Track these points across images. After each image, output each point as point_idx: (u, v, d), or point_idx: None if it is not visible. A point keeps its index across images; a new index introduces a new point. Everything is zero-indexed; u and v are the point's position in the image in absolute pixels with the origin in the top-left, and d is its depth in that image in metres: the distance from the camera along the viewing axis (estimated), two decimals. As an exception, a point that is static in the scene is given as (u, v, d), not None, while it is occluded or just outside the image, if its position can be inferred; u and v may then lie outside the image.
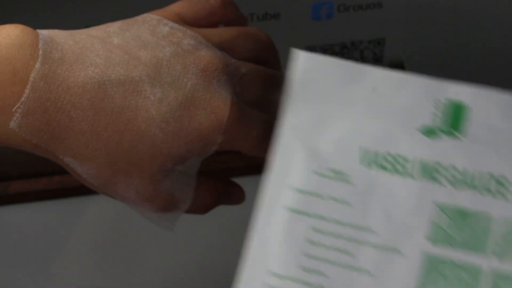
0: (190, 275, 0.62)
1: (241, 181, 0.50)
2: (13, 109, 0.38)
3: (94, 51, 0.41)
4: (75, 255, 0.63)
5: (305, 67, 0.45)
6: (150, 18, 0.45)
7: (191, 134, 0.42)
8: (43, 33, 0.41)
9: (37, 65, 0.39)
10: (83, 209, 0.67)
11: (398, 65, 0.67)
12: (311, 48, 0.64)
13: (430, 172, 0.42)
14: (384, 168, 0.42)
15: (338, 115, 0.44)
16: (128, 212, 0.67)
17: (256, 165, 0.49)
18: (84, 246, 0.64)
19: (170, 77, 0.41)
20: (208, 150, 0.43)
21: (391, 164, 0.43)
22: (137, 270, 0.62)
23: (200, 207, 0.46)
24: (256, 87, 0.45)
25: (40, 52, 0.39)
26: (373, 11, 0.63)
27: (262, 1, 0.61)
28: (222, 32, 0.46)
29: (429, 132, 0.43)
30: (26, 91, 0.38)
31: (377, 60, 0.66)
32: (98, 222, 0.66)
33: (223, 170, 0.66)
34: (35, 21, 0.60)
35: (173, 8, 0.46)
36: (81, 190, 0.67)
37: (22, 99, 0.38)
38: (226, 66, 0.43)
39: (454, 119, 0.43)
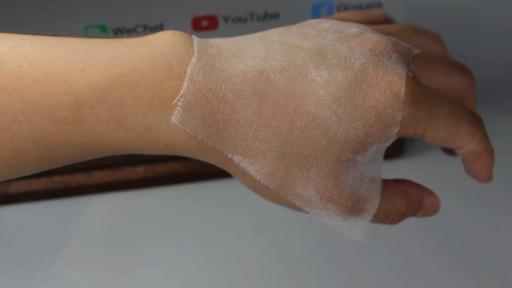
0: (189, 275, 0.62)
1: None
2: (174, 102, 0.36)
3: (252, 46, 0.39)
4: (75, 255, 0.63)
5: None
6: (310, 21, 0.42)
7: (367, 113, 0.38)
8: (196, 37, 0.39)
9: (193, 59, 0.37)
10: (83, 209, 0.67)
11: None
12: (311, 48, 0.64)
13: None
14: None
15: None
16: (128, 212, 0.67)
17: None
18: (84, 246, 0.64)
19: (336, 59, 0.39)
20: (389, 133, 0.38)
21: None
22: (137, 270, 0.62)
23: (391, 214, 0.41)
24: (433, 68, 0.41)
25: (195, 48, 0.37)
26: (373, 11, 0.63)
27: (262, 1, 0.61)
28: (388, 26, 0.43)
29: None
30: (185, 83, 0.36)
31: (377, 60, 0.66)
32: (98, 222, 0.66)
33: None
34: (35, 21, 0.60)
35: (335, 14, 0.44)
36: (81, 190, 0.67)
37: (182, 92, 0.36)
38: (397, 45, 0.40)
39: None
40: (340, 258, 0.62)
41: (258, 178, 0.38)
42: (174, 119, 0.36)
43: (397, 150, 0.69)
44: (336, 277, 0.61)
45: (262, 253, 0.63)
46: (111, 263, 0.63)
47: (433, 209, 0.43)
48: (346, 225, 0.40)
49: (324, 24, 0.41)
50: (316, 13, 0.63)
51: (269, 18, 0.62)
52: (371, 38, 0.39)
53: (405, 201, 0.41)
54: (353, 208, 0.39)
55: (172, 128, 0.37)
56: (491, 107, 0.74)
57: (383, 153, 0.40)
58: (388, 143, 0.39)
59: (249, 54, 0.38)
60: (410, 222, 0.65)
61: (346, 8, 0.63)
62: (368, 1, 0.63)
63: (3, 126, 0.36)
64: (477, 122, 0.41)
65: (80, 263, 0.63)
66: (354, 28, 0.40)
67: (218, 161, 0.38)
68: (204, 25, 0.62)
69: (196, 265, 0.63)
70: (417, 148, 0.71)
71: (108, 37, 0.61)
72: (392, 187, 0.41)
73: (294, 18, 0.63)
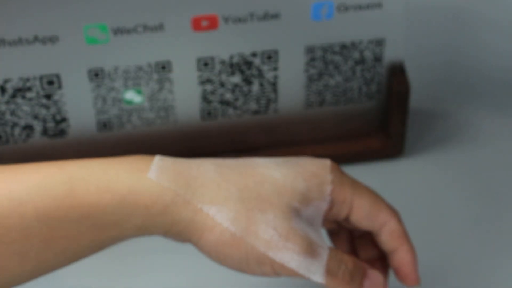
0: (190, 275, 0.62)
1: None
2: (150, 167, 0.45)
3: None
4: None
5: None
6: None
7: (305, 173, 0.48)
8: None
9: (157, 157, 0.47)
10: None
11: (398, 65, 0.67)
12: (311, 48, 0.64)
13: None
14: None
15: None
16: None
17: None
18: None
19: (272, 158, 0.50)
20: (324, 191, 0.48)
21: None
22: (137, 269, 0.62)
23: (341, 267, 0.47)
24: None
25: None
26: (373, 11, 0.63)
27: (262, 1, 0.61)
28: None
29: None
30: (155, 158, 0.46)
31: (377, 60, 0.66)
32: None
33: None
34: (34, 21, 0.60)
35: None
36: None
37: (153, 161, 0.46)
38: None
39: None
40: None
41: (226, 225, 0.45)
42: (150, 174, 0.45)
43: (396, 150, 0.69)
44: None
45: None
46: (111, 263, 0.63)
47: (377, 280, 0.49)
48: (305, 266, 0.46)
49: None
50: (316, 13, 0.63)
51: (269, 18, 0.62)
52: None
53: (351, 258, 0.48)
54: (309, 248, 0.46)
55: (149, 186, 0.45)
56: (492, 107, 0.75)
57: (321, 219, 0.48)
58: (325, 206, 0.48)
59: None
60: (407, 222, 0.65)
61: (346, 8, 0.63)
62: (368, 1, 0.63)
63: (13, 208, 0.43)
64: (392, 207, 0.51)
65: (80, 263, 0.63)
66: None
67: (188, 217, 0.45)
68: (204, 25, 0.62)
69: (197, 266, 0.63)
70: (417, 149, 0.71)
71: (108, 36, 0.61)
72: (335, 247, 0.49)
73: (294, 18, 0.63)
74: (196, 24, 0.62)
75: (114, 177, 0.44)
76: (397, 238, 0.50)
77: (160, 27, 0.61)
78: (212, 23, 0.62)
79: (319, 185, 0.48)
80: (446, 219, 0.66)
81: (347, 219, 0.50)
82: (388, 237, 0.50)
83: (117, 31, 0.61)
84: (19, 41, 0.60)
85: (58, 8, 0.59)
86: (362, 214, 0.49)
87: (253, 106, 0.66)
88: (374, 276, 0.49)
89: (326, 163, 0.49)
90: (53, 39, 0.60)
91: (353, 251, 0.53)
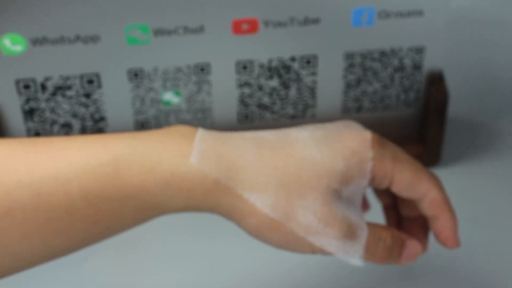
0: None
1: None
2: (191, 149, 0.45)
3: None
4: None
5: None
6: None
7: (344, 150, 0.47)
8: None
9: (200, 130, 0.47)
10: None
11: (437, 74, 0.66)
12: (350, 54, 0.64)
13: None
14: None
15: None
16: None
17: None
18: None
19: (312, 126, 0.49)
20: (364, 168, 0.47)
21: None
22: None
23: (379, 245, 0.48)
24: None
25: (199, 129, 0.47)
26: (414, 19, 0.63)
27: (303, 5, 0.61)
28: None
29: None
30: (197, 137, 0.46)
31: (416, 68, 0.65)
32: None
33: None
34: (76, 21, 0.60)
35: None
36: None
37: (194, 144, 0.46)
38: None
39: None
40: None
41: (266, 211, 0.45)
42: (192, 160, 0.45)
43: (433, 159, 0.69)
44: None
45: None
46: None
47: (415, 250, 0.49)
48: (344, 249, 0.47)
49: None
50: (356, 19, 0.62)
51: (309, 23, 0.62)
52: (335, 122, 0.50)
53: (389, 233, 0.48)
54: (348, 232, 0.46)
55: (191, 171, 0.45)
56: (531, 119, 0.74)
57: (362, 195, 0.48)
58: (365, 183, 0.48)
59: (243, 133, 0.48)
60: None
61: (387, 15, 0.62)
62: (410, 8, 0.62)
63: (59, 186, 0.44)
64: (434, 175, 0.50)
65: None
66: None
67: (229, 202, 0.46)
68: (244, 28, 0.62)
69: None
70: (454, 158, 0.71)
71: (149, 37, 0.61)
72: (374, 224, 0.48)
73: (334, 24, 0.63)
74: (236, 27, 0.62)
75: (157, 160, 0.45)
76: (438, 206, 0.50)
77: (200, 29, 0.61)
78: (252, 27, 0.62)
79: (359, 164, 0.47)
80: (484, 229, 0.65)
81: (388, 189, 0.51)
82: (429, 206, 0.50)
83: (158, 32, 0.61)
84: (61, 40, 0.61)
85: (100, 8, 0.60)
86: (403, 186, 0.49)
87: (290, 110, 0.67)
88: (412, 247, 0.49)
89: (367, 137, 0.48)
90: (94, 39, 0.61)
91: (396, 206, 0.54)
